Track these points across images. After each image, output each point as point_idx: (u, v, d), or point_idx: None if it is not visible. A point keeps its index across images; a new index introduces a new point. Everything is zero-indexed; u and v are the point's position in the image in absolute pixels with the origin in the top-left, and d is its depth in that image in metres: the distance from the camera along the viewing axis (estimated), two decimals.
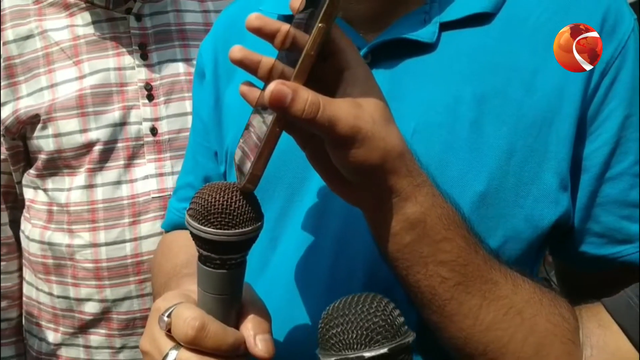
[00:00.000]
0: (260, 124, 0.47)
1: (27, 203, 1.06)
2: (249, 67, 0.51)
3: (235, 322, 0.50)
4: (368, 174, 0.46)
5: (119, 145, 0.99)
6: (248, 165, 0.47)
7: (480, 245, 0.50)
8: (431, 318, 0.51)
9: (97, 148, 0.98)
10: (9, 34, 1.01)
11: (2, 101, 1.01)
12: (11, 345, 1.12)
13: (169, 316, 0.48)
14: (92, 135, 0.98)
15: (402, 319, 0.45)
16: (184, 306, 0.48)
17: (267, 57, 0.50)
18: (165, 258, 0.73)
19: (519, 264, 0.54)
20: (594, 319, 0.52)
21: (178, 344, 0.48)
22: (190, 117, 1.01)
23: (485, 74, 0.57)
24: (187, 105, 1.02)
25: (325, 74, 0.48)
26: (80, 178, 0.99)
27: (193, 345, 0.46)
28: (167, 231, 0.82)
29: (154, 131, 1.00)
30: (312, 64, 0.43)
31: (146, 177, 1.00)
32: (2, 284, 1.10)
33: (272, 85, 0.42)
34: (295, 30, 0.47)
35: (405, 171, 0.47)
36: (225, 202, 0.47)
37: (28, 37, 1.01)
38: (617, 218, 0.58)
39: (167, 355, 0.48)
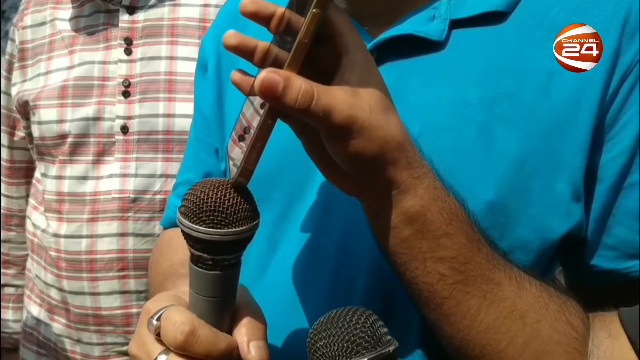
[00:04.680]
0: (253, 115, 0.45)
1: (33, 181, 1.11)
2: (245, 53, 0.48)
3: (229, 326, 0.48)
4: (366, 166, 0.44)
5: (91, 140, 0.98)
6: (241, 159, 0.44)
7: (485, 242, 0.48)
8: (429, 316, 0.49)
9: (70, 140, 0.98)
10: (28, 20, 1.06)
11: (12, 82, 1.06)
12: (17, 310, 1.20)
13: (158, 319, 0.46)
14: (66, 127, 0.98)
15: (384, 330, 0.45)
16: (174, 309, 0.46)
17: (264, 42, 0.47)
18: (162, 256, 0.71)
19: None
20: (606, 329, 0.49)
21: (168, 349, 0.45)
22: (161, 120, 0.96)
23: (497, 75, 0.54)
24: (160, 107, 0.96)
25: (322, 59, 0.45)
26: (54, 168, 1.00)
27: (182, 350, 0.44)
28: (165, 228, 0.80)
29: (124, 129, 0.97)
30: (305, 52, 0.41)
31: (111, 176, 0.97)
32: (13, 253, 1.19)
33: (263, 74, 0.40)
34: (290, 13, 0.44)
35: (405, 162, 0.45)
36: (218, 200, 0.44)
37: (42, 23, 1.05)
38: (630, 231, 0.55)
39: None
